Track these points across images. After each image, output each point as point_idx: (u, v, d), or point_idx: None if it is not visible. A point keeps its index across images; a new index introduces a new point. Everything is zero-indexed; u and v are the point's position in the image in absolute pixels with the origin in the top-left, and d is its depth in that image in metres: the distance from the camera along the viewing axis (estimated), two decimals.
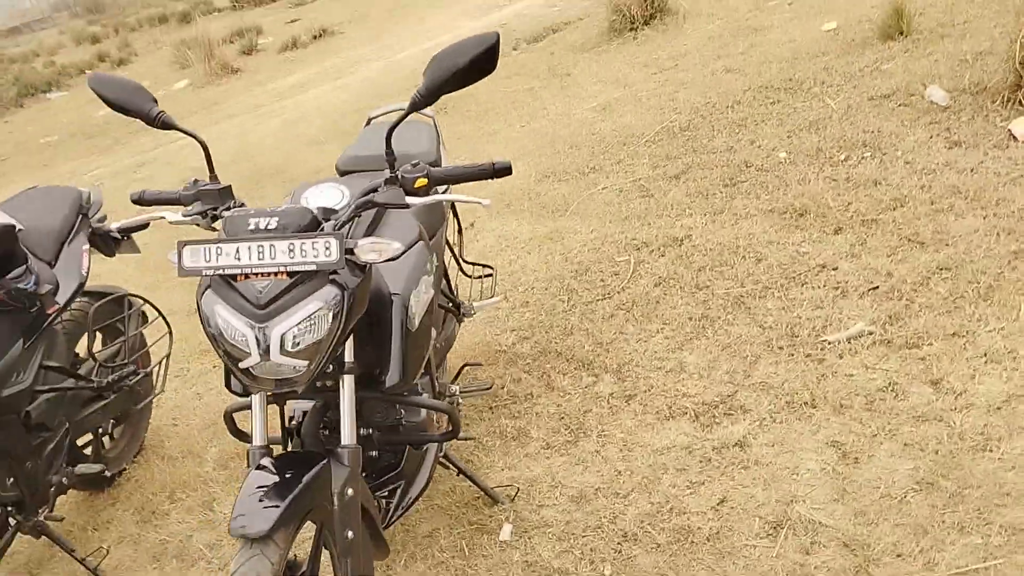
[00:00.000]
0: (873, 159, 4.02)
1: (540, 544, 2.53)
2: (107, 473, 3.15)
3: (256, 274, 1.83)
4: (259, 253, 1.82)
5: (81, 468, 2.95)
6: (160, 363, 3.37)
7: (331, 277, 1.85)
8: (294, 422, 2.17)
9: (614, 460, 2.76)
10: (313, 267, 1.81)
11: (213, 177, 2.11)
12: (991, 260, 3.07)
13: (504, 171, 1.98)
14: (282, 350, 1.81)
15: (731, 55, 6.05)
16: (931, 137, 4.02)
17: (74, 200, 3.03)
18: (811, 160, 4.19)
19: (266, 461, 1.95)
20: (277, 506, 1.80)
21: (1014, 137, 3.78)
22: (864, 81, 4.86)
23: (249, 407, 2.25)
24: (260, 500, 1.83)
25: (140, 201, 2.15)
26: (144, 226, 2.99)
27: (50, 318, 2.74)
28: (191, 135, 2.06)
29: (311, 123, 7.73)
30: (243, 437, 2.37)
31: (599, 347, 3.32)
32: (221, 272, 1.85)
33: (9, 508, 2.69)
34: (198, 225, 2.12)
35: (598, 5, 8.82)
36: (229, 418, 2.34)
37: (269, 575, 1.75)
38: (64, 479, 2.86)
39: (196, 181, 2.11)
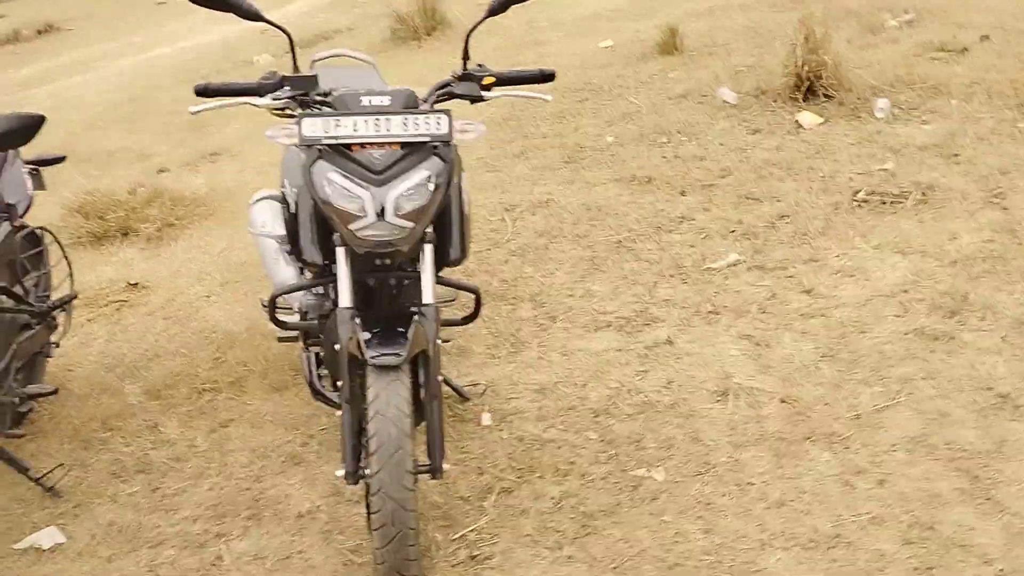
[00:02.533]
0: (691, 142, 4.83)
1: (521, 425, 2.89)
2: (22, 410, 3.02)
3: (373, 144, 2.08)
4: (375, 126, 2.08)
5: (32, 388, 2.85)
6: (68, 301, 3.28)
7: (436, 151, 2.14)
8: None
9: (559, 362, 3.20)
10: (427, 139, 2.10)
11: (296, 68, 2.30)
12: (817, 210, 3.93)
13: (551, 76, 2.39)
14: (395, 212, 2.07)
15: (523, 63, 6.73)
16: (733, 126, 4.92)
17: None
18: (637, 142, 4.92)
19: (358, 320, 2.16)
20: (402, 343, 2.05)
21: (801, 126, 4.76)
22: (657, 85, 5.73)
23: (294, 291, 2.44)
24: (381, 343, 2.07)
25: (204, 92, 2.28)
26: (59, 159, 3.01)
27: (5, 235, 2.67)
28: (279, 27, 2.25)
29: (80, 111, 7.32)
30: (281, 325, 2.51)
31: (505, 284, 3.74)
32: (343, 142, 2.07)
33: None
34: (277, 112, 2.29)
35: (366, 18, 9.23)
36: (272, 303, 2.47)
37: (406, 394, 2.00)
38: (15, 399, 2.75)
39: (274, 72, 2.29)
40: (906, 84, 4.99)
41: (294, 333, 2.89)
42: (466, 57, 2.35)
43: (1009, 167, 4.02)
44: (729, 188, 4.25)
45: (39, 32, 10.79)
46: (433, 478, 2.23)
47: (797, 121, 4.78)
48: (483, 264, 3.87)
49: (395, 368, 2.06)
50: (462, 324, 2.67)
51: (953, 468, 2.49)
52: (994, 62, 5.11)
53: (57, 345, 3.25)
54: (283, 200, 2.52)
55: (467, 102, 2.41)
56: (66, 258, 3.42)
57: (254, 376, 3.37)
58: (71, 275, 3.42)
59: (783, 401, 2.85)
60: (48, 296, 3.22)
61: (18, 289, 2.98)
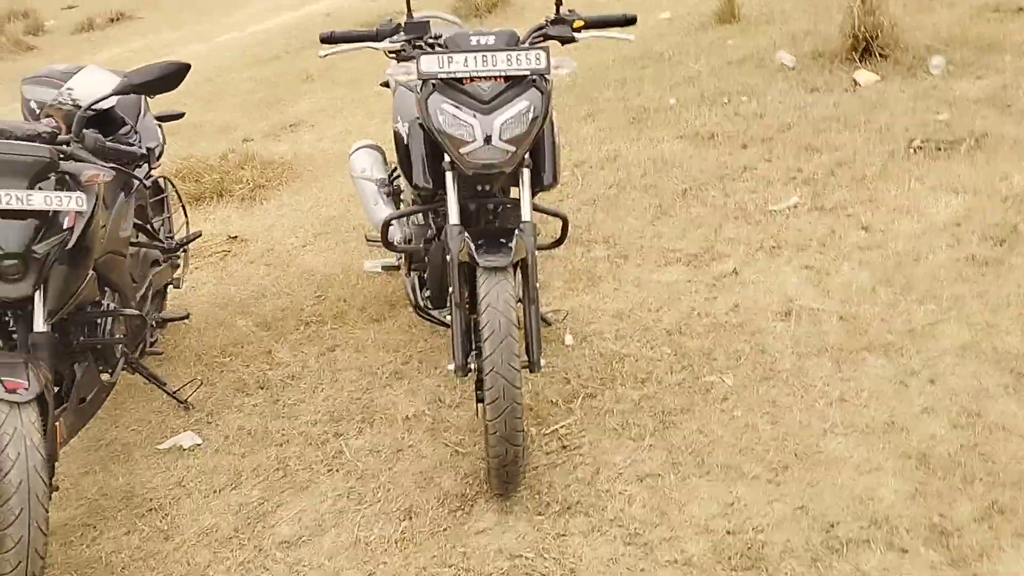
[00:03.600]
0: (751, 101, 5.13)
1: (601, 344, 3.25)
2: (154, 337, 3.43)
3: (480, 78, 2.45)
4: (483, 61, 2.44)
5: (167, 313, 3.27)
6: (194, 239, 3.70)
7: (534, 83, 2.50)
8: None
9: (633, 292, 3.55)
10: (528, 72, 2.46)
11: (410, 14, 2.68)
12: (874, 157, 4.22)
13: (633, 20, 2.74)
14: (500, 137, 2.44)
15: None
16: (792, 86, 5.22)
17: None
18: (699, 104, 5.23)
19: (466, 234, 2.53)
20: (507, 251, 2.42)
21: (857, 83, 5.04)
22: (717, 51, 6.03)
23: (407, 215, 2.82)
24: (488, 251, 2.44)
25: (330, 39, 2.67)
26: (179, 115, 3.43)
27: (140, 180, 3.08)
28: None
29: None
30: (393, 248, 2.90)
31: (579, 229, 4.09)
32: (457, 75, 2.44)
33: (120, 346, 2.97)
34: (393, 55, 2.66)
35: None
36: (386, 227, 2.86)
37: (512, 291, 2.37)
38: (154, 322, 3.18)
39: (390, 20, 2.68)
40: (961, 43, 5.24)
41: (397, 264, 3.29)
42: (559, 3, 2.71)
43: None
44: (789, 141, 4.55)
45: (111, 20, 11.38)
46: (531, 372, 2.60)
47: (854, 79, 5.06)
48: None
49: (502, 269, 2.43)
50: (552, 247, 3.03)
51: (999, 368, 2.79)
52: None
53: (182, 281, 3.68)
54: (395, 136, 2.90)
55: (559, 44, 2.76)
56: (183, 205, 3.86)
57: (353, 310, 3.77)
58: (187, 220, 3.85)
59: (841, 318, 3.16)
60: (172, 237, 3.65)
61: (149, 228, 3.42)
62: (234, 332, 3.74)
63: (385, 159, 3.69)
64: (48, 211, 2.47)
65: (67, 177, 2.57)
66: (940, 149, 4.15)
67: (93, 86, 3.07)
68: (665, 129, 4.97)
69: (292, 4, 11.03)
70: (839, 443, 2.62)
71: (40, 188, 2.48)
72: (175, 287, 3.61)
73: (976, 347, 2.90)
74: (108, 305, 2.95)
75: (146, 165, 3.25)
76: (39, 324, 2.56)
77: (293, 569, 2.52)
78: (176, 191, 3.84)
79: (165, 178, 3.74)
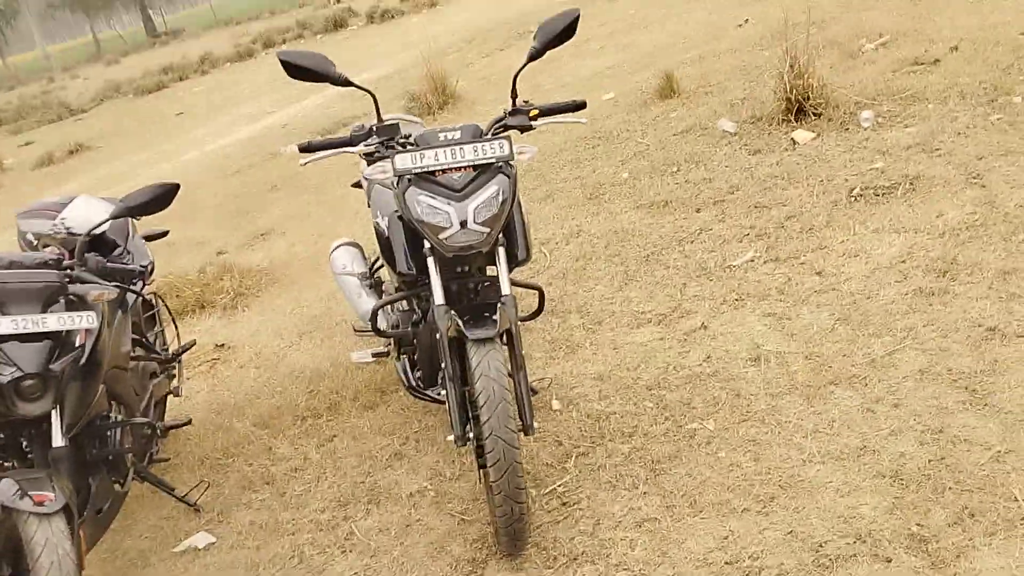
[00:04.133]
0: (699, 168, 5.48)
1: (586, 405, 3.47)
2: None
3: (451, 169, 2.72)
4: (453, 154, 2.72)
5: (169, 421, 3.44)
6: (188, 348, 3.89)
7: (501, 170, 2.77)
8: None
9: (611, 355, 3.78)
10: (494, 160, 2.73)
11: (380, 119, 2.95)
12: (819, 207, 4.54)
13: (583, 105, 3.04)
14: (475, 220, 2.70)
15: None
16: (735, 151, 5.57)
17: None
18: (650, 174, 5.57)
19: (452, 312, 2.77)
20: (492, 323, 2.65)
21: (796, 142, 5.41)
22: (662, 125, 6.41)
23: (393, 302, 3.05)
24: (475, 325, 2.67)
25: (308, 148, 2.94)
26: (163, 234, 3.67)
27: (138, 293, 3.29)
28: (364, 89, 2.92)
29: None
30: (382, 334, 3.12)
31: (552, 301, 4.33)
32: (430, 169, 2.71)
33: (129, 455, 3.14)
34: (368, 157, 2.93)
35: (381, 101, 10.02)
36: (374, 315, 3.09)
37: (502, 359, 2.60)
38: (158, 431, 3.35)
39: (363, 125, 2.95)
40: (887, 96, 5.64)
41: (386, 351, 3.50)
42: (514, 96, 3.00)
43: (985, 153, 4.63)
44: (739, 201, 4.87)
45: (70, 152, 11.68)
46: (526, 435, 2.79)
47: (792, 139, 5.43)
48: None
49: (491, 340, 2.66)
50: (531, 318, 3.26)
51: (955, 387, 3.04)
52: (965, 68, 5.77)
53: (180, 389, 3.85)
54: (376, 230, 3.15)
55: (518, 132, 3.04)
56: (172, 318, 4.05)
57: (346, 400, 3.96)
58: (177, 333, 4.04)
59: (807, 358, 3.41)
60: (167, 349, 3.83)
61: (145, 342, 3.60)
62: (233, 434, 3.90)
63: (363, 254, 3.93)
64: (62, 331, 2.66)
65: (74, 298, 2.76)
66: (878, 195, 4.47)
67: (86, 214, 3.29)
68: (622, 201, 5.27)
69: (249, 118, 11.42)
70: (818, 470, 2.83)
71: (52, 311, 2.66)
72: (175, 395, 3.78)
73: (932, 370, 3.15)
74: (116, 417, 3.11)
75: (140, 282, 3.45)
76: (58, 439, 2.72)
77: None
78: (165, 305, 4.03)
79: (154, 294, 3.94)
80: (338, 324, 4.74)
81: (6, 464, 2.78)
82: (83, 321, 2.68)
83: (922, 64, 6.06)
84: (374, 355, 3.56)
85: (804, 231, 4.34)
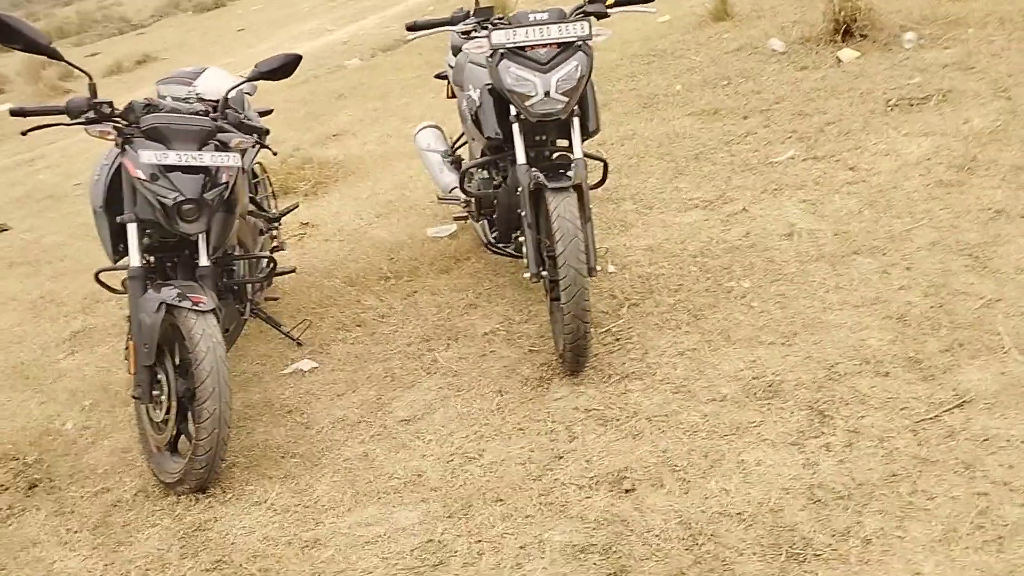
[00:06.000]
0: (748, 81, 5.97)
1: (638, 269, 4.06)
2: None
3: (539, 45, 3.28)
4: (540, 32, 3.27)
5: (279, 268, 4.07)
6: (292, 209, 4.52)
7: (581, 48, 3.33)
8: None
9: (660, 231, 4.36)
10: (575, 39, 3.29)
11: (477, 3, 3.51)
12: (857, 116, 5.05)
13: None
14: (556, 91, 3.26)
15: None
16: (783, 67, 6.06)
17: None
18: (702, 87, 6.08)
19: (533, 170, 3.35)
20: (568, 177, 3.23)
21: (840, 60, 5.89)
22: (714, 44, 6.88)
23: (481, 164, 3.64)
24: (553, 178, 3.24)
25: (415, 27, 3.51)
26: (270, 111, 4.25)
27: (265, 146, 3.90)
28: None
29: None
30: (468, 194, 3.73)
31: (607, 191, 4.90)
32: (521, 44, 3.27)
33: (249, 286, 3.77)
34: (466, 35, 3.49)
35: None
36: (463, 176, 3.69)
37: (576, 204, 3.18)
38: (275, 265, 3.98)
39: (462, 8, 3.51)
40: (930, 20, 6.08)
41: (465, 215, 4.11)
42: None
43: (1015, 71, 5.10)
44: (784, 110, 5.38)
45: (138, 62, 12.32)
46: (590, 276, 3.39)
47: (838, 57, 5.91)
48: None
49: (566, 190, 3.25)
50: (596, 187, 3.85)
51: (961, 255, 3.60)
52: None
53: (285, 243, 4.48)
54: (467, 103, 3.73)
55: (595, 18, 3.59)
56: (272, 189, 4.67)
57: (424, 265, 4.59)
58: (275, 200, 4.66)
59: (835, 234, 3.97)
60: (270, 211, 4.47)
61: (256, 201, 4.24)
62: (325, 290, 4.55)
63: (444, 136, 4.53)
64: (212, 168, 3.29)
65: (219, 144, 3.39)
66: (912, 105, 4.98)
67: (215, 82, 3.91)
68: (674, 110, 5.80)
69: (310, 34, 11.98)
70: (836, 315, 3.42)
71: (204, 151, 3.29)
72: (281, 249, 4.41)
73: (943, 242, 3.70)
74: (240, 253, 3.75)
75: (259, 144, 4.06)
76: (204, 259, 3.37)
77: (415, 436, 3.30)
78: (267, 175, 4.66)
79: (260, 163, 4.56)
80: (412, 207, 5.36)
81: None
82: (230, 160, 3.31)
83: None
84: (456, 218, 4.18)
85: (841, 135, 4.87)
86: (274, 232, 4.51)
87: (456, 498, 2.91)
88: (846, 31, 6.09)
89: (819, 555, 2.40)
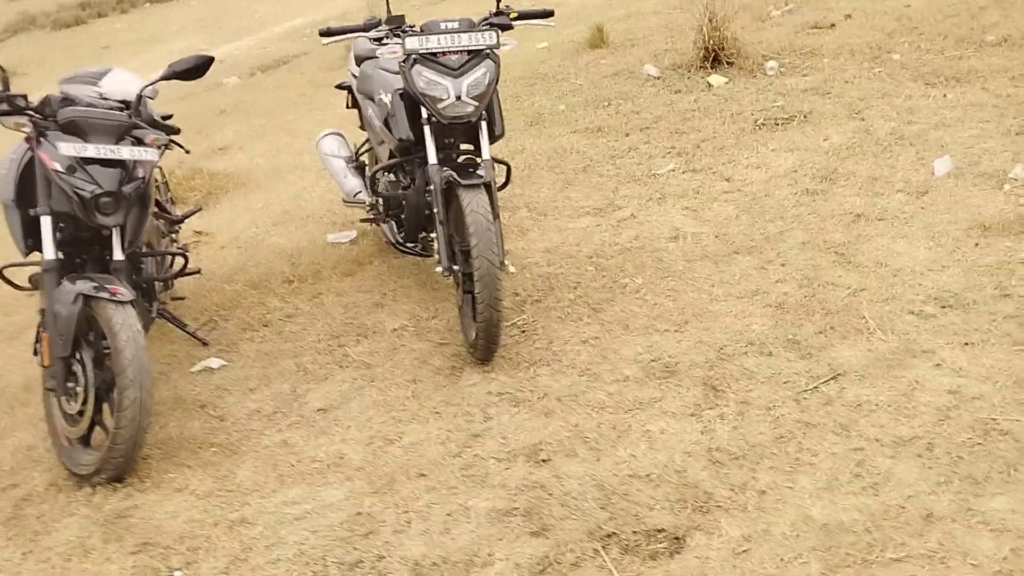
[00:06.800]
0: (627, 103, 6.39)
1: (537, 269, 4.31)
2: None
3: (451, 52, 3.53)
4: (452, 40, 3.53)
5: (179, 270, 4.12)
6: (194, 212, 4.59)
7: (489, 56, 3.60)
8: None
9: (556, 236, 4.65)
10: (484, 47, 3.56)
11: (389, 11, 3.73)
12: (729, 134, 5.50)
13: (551, 13, 3.87)
14: (467, 95, 3.52)
15: None
16: (659, 91, 6.51)
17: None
18: (584, 107, 6.46)
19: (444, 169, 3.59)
20: (479, 175, 3.48)
21: (711, 85, 6.38)
22: (593, 69, 7.30)
23: (389, 168, 3.85)
24: (464, 176, 3.49)
25: (328, 33, 3.70)
26: (169, 116, 4.35)
27: (179, 144, 3.99)
28: None
29: None
30: (378, 194, 3.93)
31: (503, 199, 5.16)
32: (434, 51, 3.51)
33: (151, 294, 3.84)
34: (381, 41, 3.70)
35: (317, 43, 10.65)
36: (373, 179, 3.89)
37: (486, 203, 3.41)
38: (170, 279, 4.05)
39: (374, 16, 3.73)
40: (789, 51, 6.66)
41: (372, 217, 4.29)
42: (499, 1, 3.82)
43: (867, 96, 5.67)
44: (662, 128, 5.80)
45: None
46: (499, 269, 3.63)
47: (708, 82, 6.39)
48: None
49: (478, 187, 3.48)
50: (500, 189, 4.09)
51: (828, 252, 4.01)
52: (856, 32, 6.83)
53: (188, 247, 4.54)
54: (377, 106, 3.92)
55: (500, 29, 3.86)
56: (170, 192, 4.72)
57: (326, 269, 4.72)
58: (173, 203, 4.71)
59: (716, 237, 4.35)
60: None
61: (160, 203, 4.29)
62: (226, 294, 4.62)
63: (347, 142, 4.70)
64: (128, 162, 3.37)
65: (134, 140, 3.47)
66: (778, 124, 5.46)
67: (120, 83, 3.98)
68: (559, 128, 6.15)
69: (181, 52, 11.82)
70: (722, 305, 3.76)
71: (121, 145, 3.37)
72: (185, 251, 4.46)
73: (812, 243, 4.12)
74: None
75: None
76: (118, 253, 3.44)
77: (333, 423, 3.44)
78: (165, 179, 4.71)
79: (159, 168, 4.60)
80: (309, 216, 5.48)
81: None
82: (148, 155, 3.39)
83: (820, 28, 7.10)
84: (362, 220, 4.35)
85: (716, 150, 5.30)
86: (173, 236, 4.56)
87: (380, 476, 3.07)
88: (715, 59, 6.60)
89: (720, 506, 2.69)
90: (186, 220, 4.54)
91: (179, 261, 4.08)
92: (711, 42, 6.58)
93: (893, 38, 6.47)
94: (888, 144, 4.88)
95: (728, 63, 6.55)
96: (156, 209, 4.21)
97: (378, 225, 4.41)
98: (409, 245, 4.09)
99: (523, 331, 3.82)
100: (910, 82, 5.70)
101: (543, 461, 2.99)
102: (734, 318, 3.63)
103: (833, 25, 7.07)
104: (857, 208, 4.30)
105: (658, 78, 6.68)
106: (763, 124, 5.48)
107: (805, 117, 5.46)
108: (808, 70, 6.28)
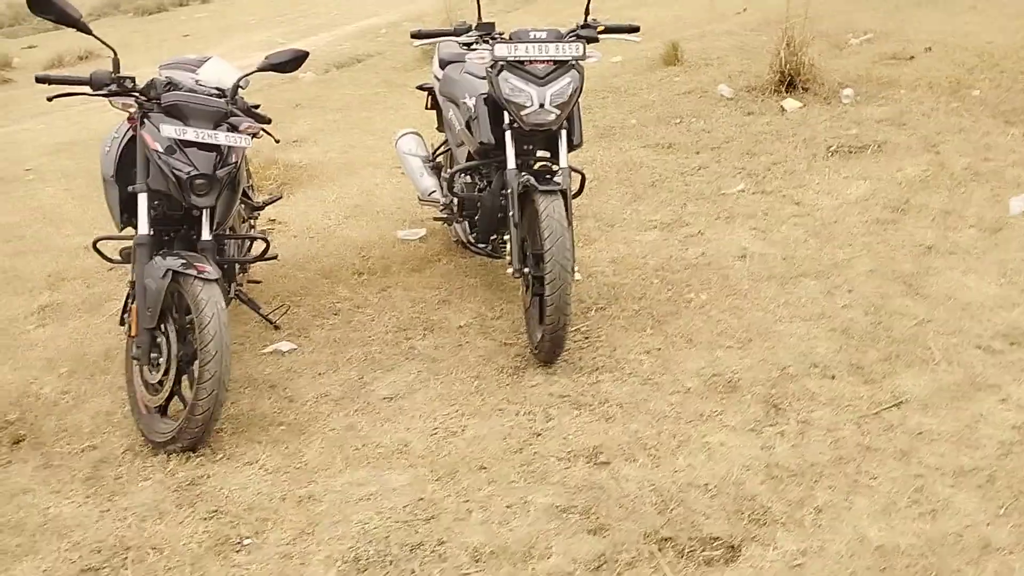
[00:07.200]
0: (698, 121, 6.44)
1: (603, 278, 4.40)
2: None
3: (538, 60, 3.63)
4: (540, 49, 3.63)
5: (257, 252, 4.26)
6: (276, 200, 4.75)
7: (574, 67, 3.70)
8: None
9: (622, 247, 4.73)
10: (570, 58, 3.66)
11: (480, 17, 3.85)
12: (801, 158, 5.54)
13: (637, 28, 3.96)
14: (550, 103, 3.62)
15: None
16: (731, 111, 6.55)
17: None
18: (656, 123, 6.53)
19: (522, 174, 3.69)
20: (556, 183, 3.58)
21: (784, 109, 6.41)
22: (666, 86, 7.37)
23: (467, 170, 3.97)
24: (542, 182, 3.59)
25: (420, 35, 3.83)
26: (257, 106, 4.50)
27: (270, 134, 4.14)
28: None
29: None
30: (455, 194, 4.04)
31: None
32: (521, 59, 3.61)
33: (230, 275, 3.98)
34: (470, 46, 3.82)
35: (392, 45, 10.86)
36: (451, 180, 4.00)
37: (563, 207, 3.51)
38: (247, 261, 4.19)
39: (464, 21, 3.85)
40: (866, 80, 6.66)
41: (445, 216, 4.41)
42: (587, 13, 3.91)
43: (942, 129, 5.67)
44: (733, 148, 5.85)
45: (80, 58, 12.28)
46: (571, 275, 3.72)
47: (782, 106, 6.43)
48: None
49: (554, 193, 3.58)
50: (574, 196, 4.19)
51: (896, 281, 4.04)
52: (935, 65, 6.81)
53: (268, 234, 4.70)
54: (460, 109, 4.04)
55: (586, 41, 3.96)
56: (252, 178, 4.88)
57: (395, 264, 4.85)
58: (254, 190, 4.88)
59: (783, 259, 4.40)
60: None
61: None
62: (298, 281, 4.77)
63: (425, 142, 4.84)
64: (224, 147, 3.53)
65: (230, 126, 3.62)
66: (851, 152, 5.49)
67: (217, 72, 4.15)
68: (630, 141, 6.23)
69: (260, 45, 12.13)
70: (786, 326, 3.82)
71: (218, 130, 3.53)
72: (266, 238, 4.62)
73: (880, 271, 4.15)
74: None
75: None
76: (206, 233, 3.59)
77: (398, 412, 3.56)
78: (248, 168, 4.87)
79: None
80: (379, 212, 5.62)
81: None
82: (241, 141, 3.55)
83: (899, 59, 7.09)
84: (435, 219, 4.47)
85: (787, 173, 5.34)
86: (252, 221, 4.72)
87: (442, 465, 3.18)
88: (789, 83, 6.63)
89: (777, 520, 2.75)
90: (267, 207, 4.68)
91: (259, 245, 4.21)
92: (787, 66, 6.61)
93: (973, 74, 6.44)
94: (963, 179, 4.88)
95: (803, 88, 6.57)
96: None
97: (450, 224, 4.52)
98: (480, 246, 4.20)
99: (587, 337, 3.91)
100: (988, 119, 5.68)
101: (603, 463, 3.07)
102: (798, 339, 3.68)
103: (912, 57, 7.06)
104: (928, 240, 4.32)
105: (731, 99, 6.72)
106: (836, 151, 5.51)
107: (879, 147, 5.47)
108: (884, 100, 6.29)
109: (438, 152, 4.78)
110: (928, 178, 4.98)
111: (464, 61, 4.05)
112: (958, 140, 5.43)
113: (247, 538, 2.86)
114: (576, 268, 4.21)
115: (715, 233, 4.71)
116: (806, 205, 4.88)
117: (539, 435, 3.28)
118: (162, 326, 3.43)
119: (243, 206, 4.41)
